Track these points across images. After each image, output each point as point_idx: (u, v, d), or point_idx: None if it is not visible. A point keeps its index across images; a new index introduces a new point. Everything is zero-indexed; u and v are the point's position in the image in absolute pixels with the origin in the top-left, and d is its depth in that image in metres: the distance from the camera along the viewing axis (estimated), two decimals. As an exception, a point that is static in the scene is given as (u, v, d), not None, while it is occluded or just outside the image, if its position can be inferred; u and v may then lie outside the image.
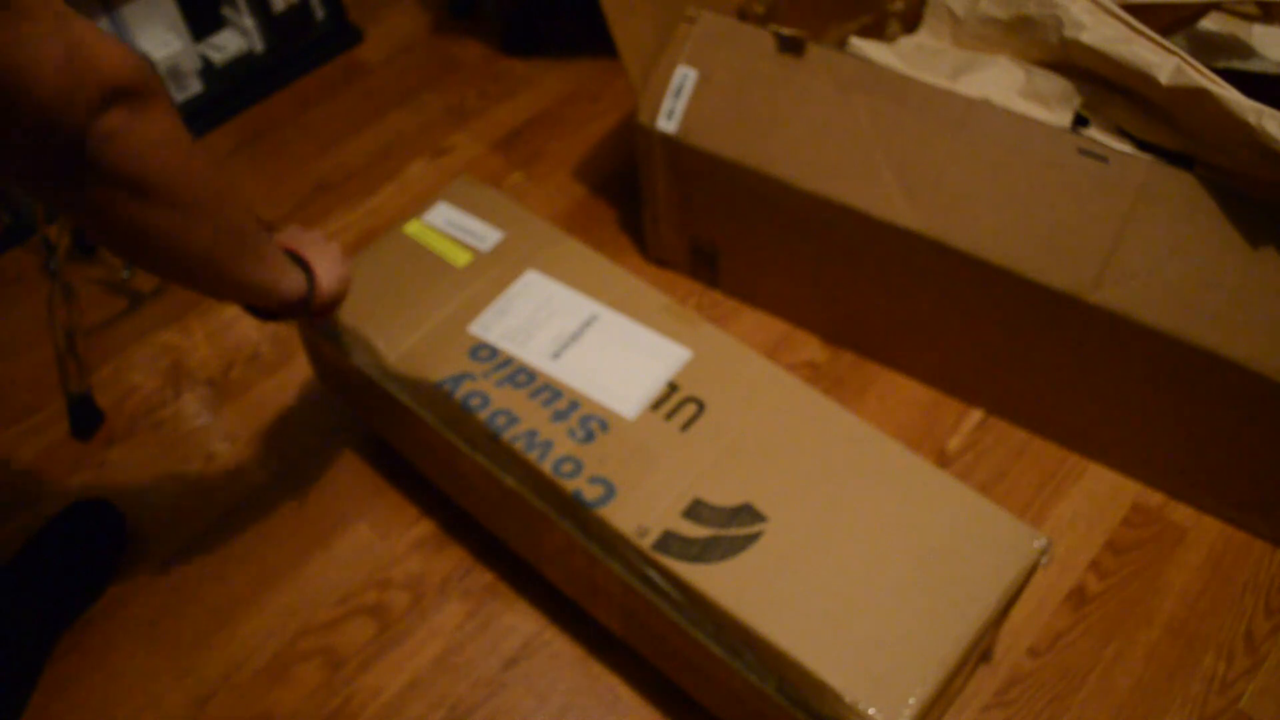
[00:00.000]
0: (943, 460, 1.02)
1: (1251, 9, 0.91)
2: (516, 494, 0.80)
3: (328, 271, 0.76)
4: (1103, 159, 0.85)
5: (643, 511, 0.75)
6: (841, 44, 0.99)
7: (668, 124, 1.02)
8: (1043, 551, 0.73)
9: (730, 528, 0.74)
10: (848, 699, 0.66)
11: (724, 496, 0.75)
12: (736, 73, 0.99)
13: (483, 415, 0.81)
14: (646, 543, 0.73)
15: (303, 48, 1.49)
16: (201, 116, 1.41)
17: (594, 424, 0.80)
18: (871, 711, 0.65)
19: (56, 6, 0.46)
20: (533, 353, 0.85)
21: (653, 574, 0.73)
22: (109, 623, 0.94)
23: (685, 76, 1.01)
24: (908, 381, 1.08)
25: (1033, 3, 0.90)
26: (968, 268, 0.90)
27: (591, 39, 1.48)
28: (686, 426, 0.80)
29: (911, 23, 1.02)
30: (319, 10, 1.49)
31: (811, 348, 1.11)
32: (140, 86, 0.50)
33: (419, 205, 1.01)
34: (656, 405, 0.81)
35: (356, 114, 1.43)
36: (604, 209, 1.28)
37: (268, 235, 0.68)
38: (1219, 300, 0.81)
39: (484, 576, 0.96)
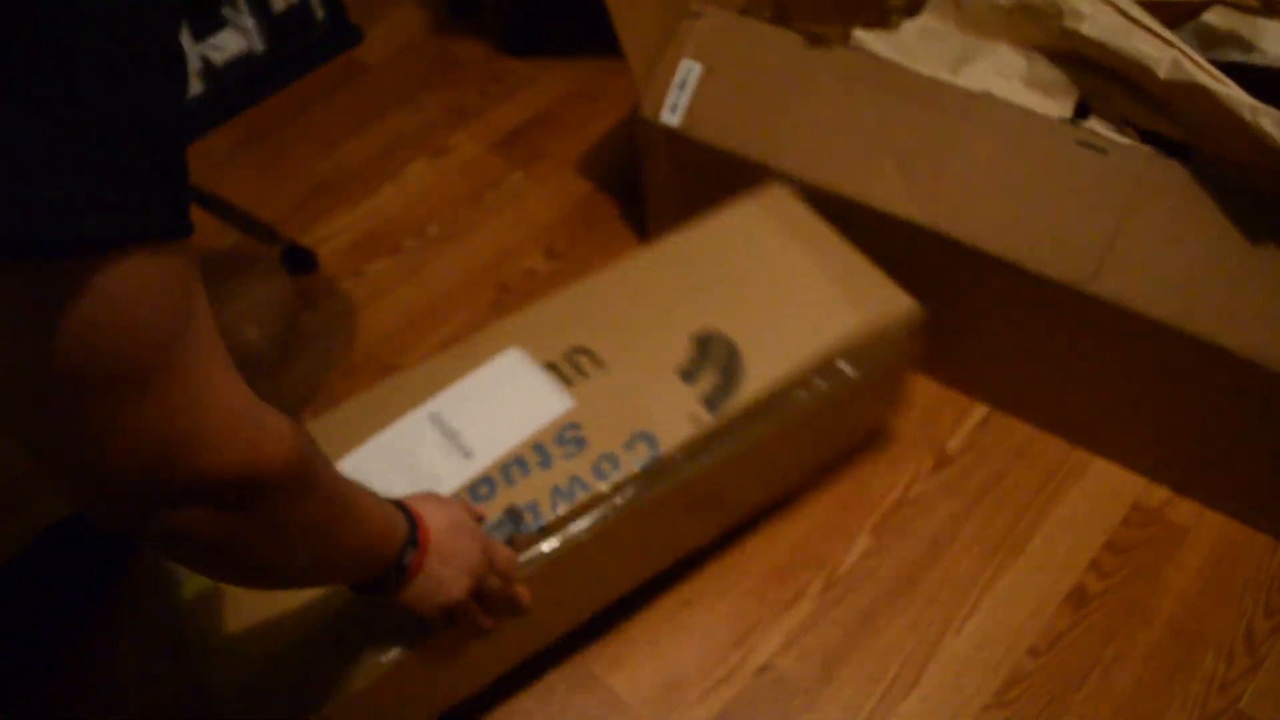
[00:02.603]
0: (943, 460, 1.01)
1: (1253, 2, 0.91)
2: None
3: (434, 569, 0.65)
4: (1102, 151, 0.85)
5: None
6: (845, 37, 0.99)
7: (671, 117, 1.02)
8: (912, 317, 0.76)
9: None
10: None
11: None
12: (740, 66, 0.99)
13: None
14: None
15: (303, 48, 1.49)
16: (201, 116, 1.41)
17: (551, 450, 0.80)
18: None
19: (191, 371, 0.42)
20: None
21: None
22: (107, 627, 0.94)
23: (689, 70, 1.01)
24: (907, 382, 1.08)
25: (1034, -7, 0.90)
26: (968, 259, 0.90)
27: (591, 39, 1.48)
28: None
29: (913, 13, 1.02)
30: (319, 10, 1.49)
31: (811, 347, 1.11)
32: (243, 486, 0.45)
33: (419, 205, 1.01)
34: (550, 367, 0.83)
35: (356, 114, 1.43)
36: (605, 208, 1.28)
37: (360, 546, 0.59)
38: (1218, 291, 0.81)
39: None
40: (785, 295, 0.88)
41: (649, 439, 0.79)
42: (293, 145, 1.39)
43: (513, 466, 0.78)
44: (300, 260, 1.23)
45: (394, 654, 0.72)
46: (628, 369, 0.83)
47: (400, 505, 0.63)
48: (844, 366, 0.85)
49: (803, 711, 0.87)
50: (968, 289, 0.94)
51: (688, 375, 0.83)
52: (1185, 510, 0.97)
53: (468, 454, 0.79)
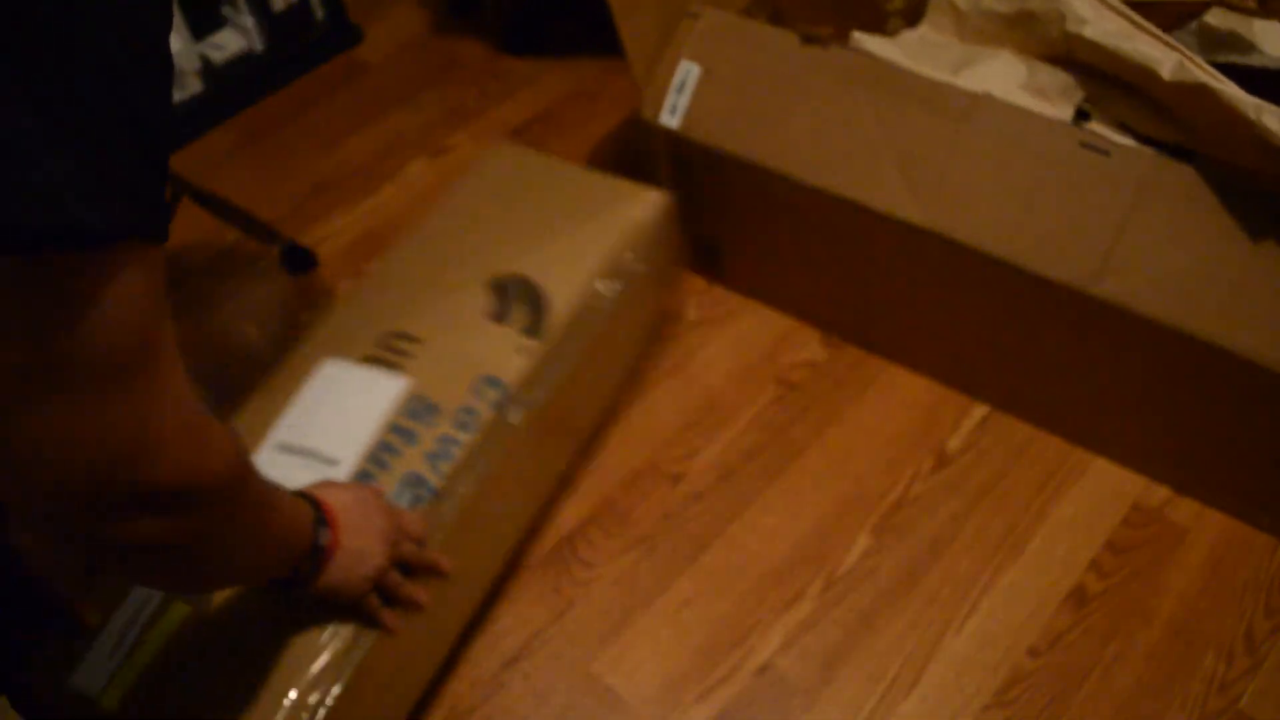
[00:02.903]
0: (943, 460, 1.01)
1: (1251, 3, 0.91)
2: None
3: (347, 554, 0.66)
4: (1104, 152, 0.85)
5: None
6: (844, 39, 0.99)
7: (671, 119, 1.02)
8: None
9: None
10: None
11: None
12: (739, 68, 0.99)
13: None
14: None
15: (303, 47, 1.49)
16: (201, 116, 1.41)
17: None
18: None
19: (145, 383, 0.42)
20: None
21: None
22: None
23: (688, 72, 1.01)
24: (908, 382, 1.08)
25: (1035, -2, 0.90)
26: (970, 261, 0.90)
27: (591, 39, 1.48)
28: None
29: (912, 19, 1.02)
30: (319, 10, 1.49)
31: (812, 347, 1.11)
32: (190, 494, 0.46)
33: (419, 205, 1.01)
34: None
35: (356, 114, 1.43)
36: (604, 208, 1.28)
37: (282, 542, 0.61)
38: (1220, 292, 0.81)
39: (483, 575, 0.96)
40: (552, 223, 0.95)
41: (491, 380, 0.84)
42: (293, 145, 1.39)
43: (381, 453, 0.80)
44: (300, 260, 1.23)
45: (351, 655, 0.72)
46: (443, 333, 0.87)
47: (302, 493, 0.65)
48: (630, 260, 0.93)
49: (803, 711, 0.87)
50: (969, 290, 0.94)
51: (500, 317, 0.88)
52: (1185, 510, 0.97)
53: (332, 462, 0.80)
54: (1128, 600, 0.92)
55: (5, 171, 0.34)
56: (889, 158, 0.93)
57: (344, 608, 0.71)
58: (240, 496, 0.51)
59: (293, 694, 0.70)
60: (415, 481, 0.79)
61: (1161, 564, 0.94)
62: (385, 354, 0.86)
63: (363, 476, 0.79)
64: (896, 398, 1.07)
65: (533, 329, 0.87)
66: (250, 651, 0.71)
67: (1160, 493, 0.98)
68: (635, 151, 1.10)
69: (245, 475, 0.51)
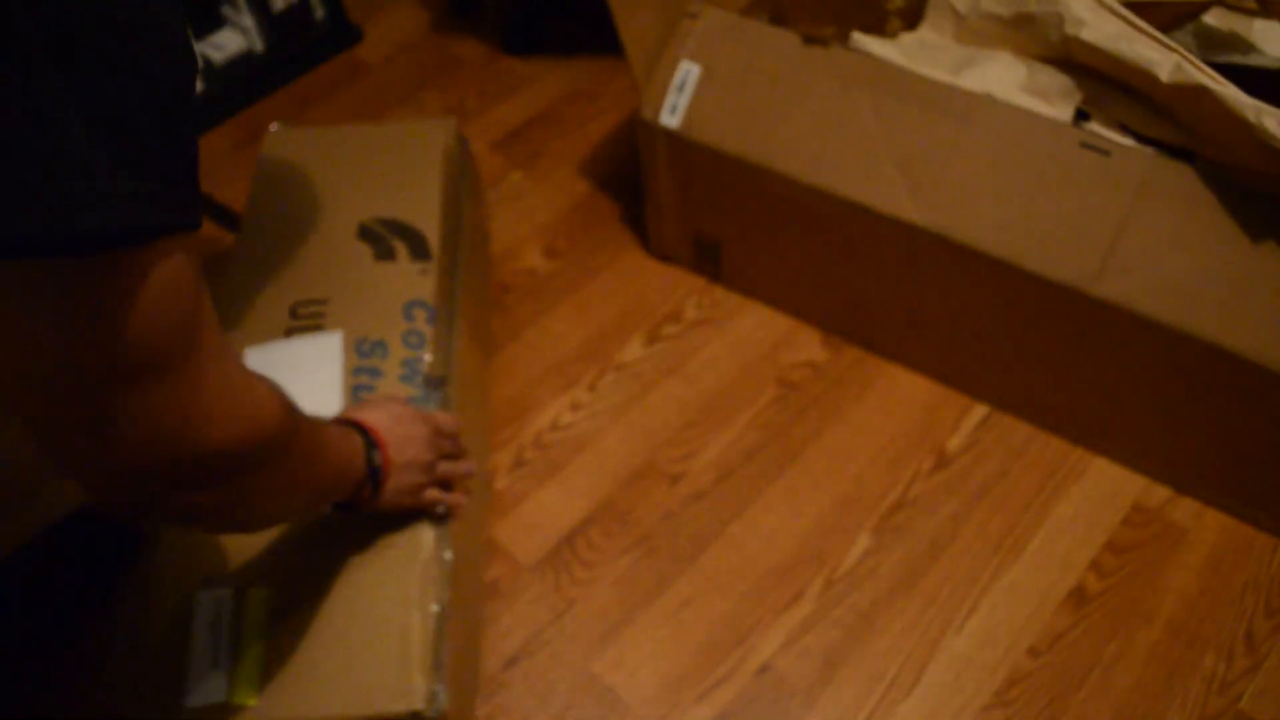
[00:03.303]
0: (943, 460, 1.01)
1: (1251, 4, 0.91)
2: None
3: (398, 471, 0.71)
4: (1104, 152, 0.85)
5: None
6: (844, 40, 0.99)
7: (671, 119, 1.02)
8: None
9: None
10: None
11: None
12: (739, 68, 0.99)
13: None
14: None
15: (302, 47, 1.49)
16: (201, 116, 1.41)
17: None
18: None
19: (196, 364, 0.44)
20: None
21: None
22: (108, 626, 0.94)
23: (688, 72, 1.01)
24: (908, 382, 1.08)
25: (1034, 0, 0.90)
26: (971, 261, 0.90)
27: (591, 38, 1.48)
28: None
29: (912, 21, 1.02)
30: (319, 9, 1.49)
31: (812, 347, 1.11)
32: (246, 457, 0.48)
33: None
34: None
35: (356, 113, 1.43)
36: (605, 207, 1.28)
37: (336, 475, 0.64)
38: (1220, 292, 0.81)
39: (486, 573, 0.96)
40: (374, 170, 0.99)
41: (415, 303, 0.89)
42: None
43: (360, 395, 0.83)
44: None
45: (442, 558, 0.76)
46: (345, 286, 0.90)
47: (346, 421, 0.68)
48: (458, 175, 1.03)
49: (803, 711, 0.87)
50: (968, 290, 0.94)
51: (386, 255, 0.92)
52: (1185, 510, 0.97)
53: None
54: (1128, 600, 0.92)
55: (55, 177, 0.35)
56: (889, 158, 0.93)
57: (408, 517, 0.75)
58: (294, 444, 0.53)
59: (409, 619, 0.72)
60: (409, 400, 0.82)
61: (1161, 564, 0.94)
62: (304, 322, 0.88)
63: None
64: (896, 398, 1.07)
65: (419, 253, 0.92)
66: (348, 604, 0.73)
67: (1160, 493, 0.98)
68: (635, 151, 1.10)
69: (295, 424, 0.53)
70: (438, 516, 0.77)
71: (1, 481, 0.87)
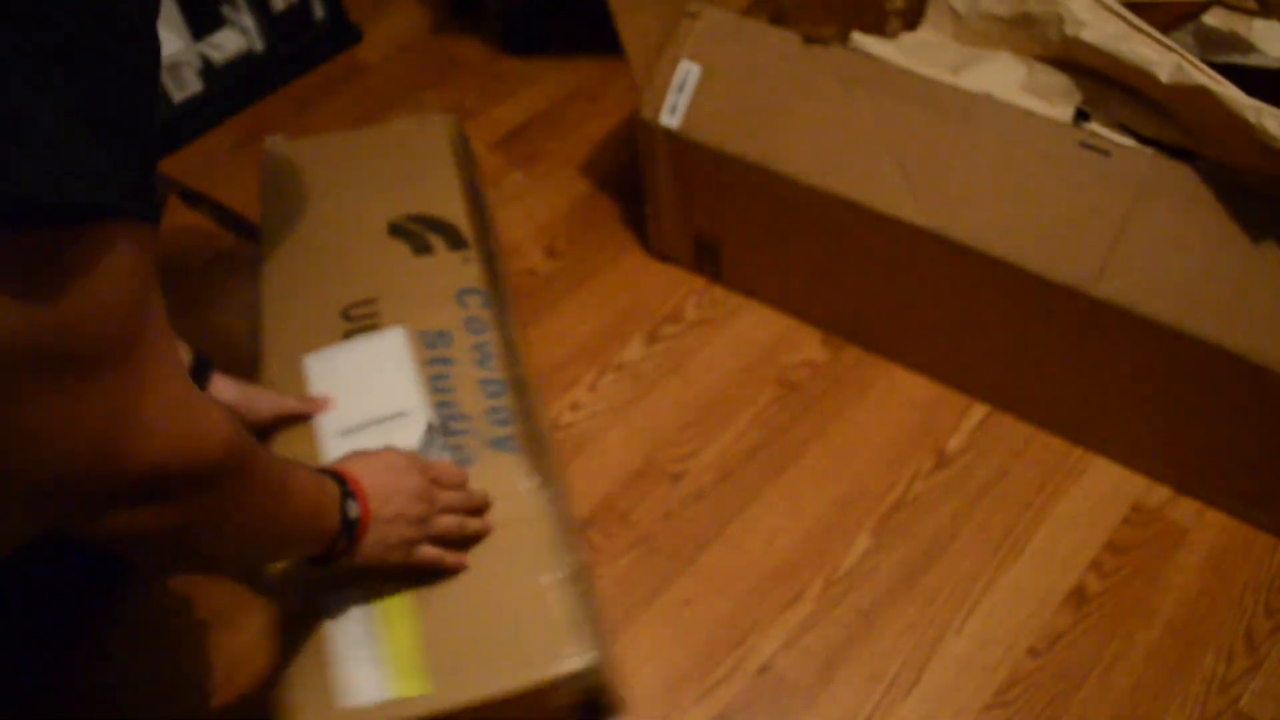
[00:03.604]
0: (943, 460, 1.01)
1: (1251, 4, 0.91)
2: None
3: (379, 530, 0.67)
4: (1105, 152, 0.85)
5: None
6: (844, 40, 0.99)
7: (671, 119, 1.02)
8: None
9: None
10: None
11: None
12: (739, 68, 0.99)
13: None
14: None
15: (302, 47, 1.49)
16: (201, 116, 1.41)
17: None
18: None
19: (135, 366, 0.42)
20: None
21: None
22: (109, 622, 0.94)
23: (688, 72, 1.01)
24: (907, 382, 1.08)
25: (1034, 0, 0.90)
26: (971, 261, 0.90)
27: (591, 38, 1.48)
28: None
29: (912, 21, 1.02)
30: (319, 9, 1.49)
31: (811, 347, 1.11)
32: (187, 478, 0.46)
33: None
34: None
35: (356, 113, 1.43)
36: (606, 207, 1.28)
37: (304, 521, 0.61)
38: (1221, 292, 0.81)
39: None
40: (388, 169, 1.00)
41: (467, 290, 0.90)
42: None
43: (438, 383, 0.83)
44: None
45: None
46: (392, 284, 0.90)
47: (325, 470, 0.65)
48: (468, 164, 1.04)
49: (803, 711, 0.87)
50: (968, 290, 0.94)
51: (424, 249, 0.93)
52: (1185, 510, 0.97)
53: (402, 414, 0.82)
54: (1128, 600, 0.92)
55: (3, 139, 0.34)
56: (889, 158, 0.93)
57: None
58: (244, 476, 0.50)
59: (543, 582, 0.72)
60: (489, 382, 0.83)
61: (1161, 564, 0.94)
62: (359, 324, 0.88)
63: (441, 408, 0.82)
64: (896, 398, 1.07)
65: (455, 244, 0.94)
66: (478, 583, 0.73)
67: (1160, 493, 0.98)
68: (635, 151, 1.10)
69: (245, 455, 0.50)
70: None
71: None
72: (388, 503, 0.66)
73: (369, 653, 0.69)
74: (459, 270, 0.92)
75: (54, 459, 0.40)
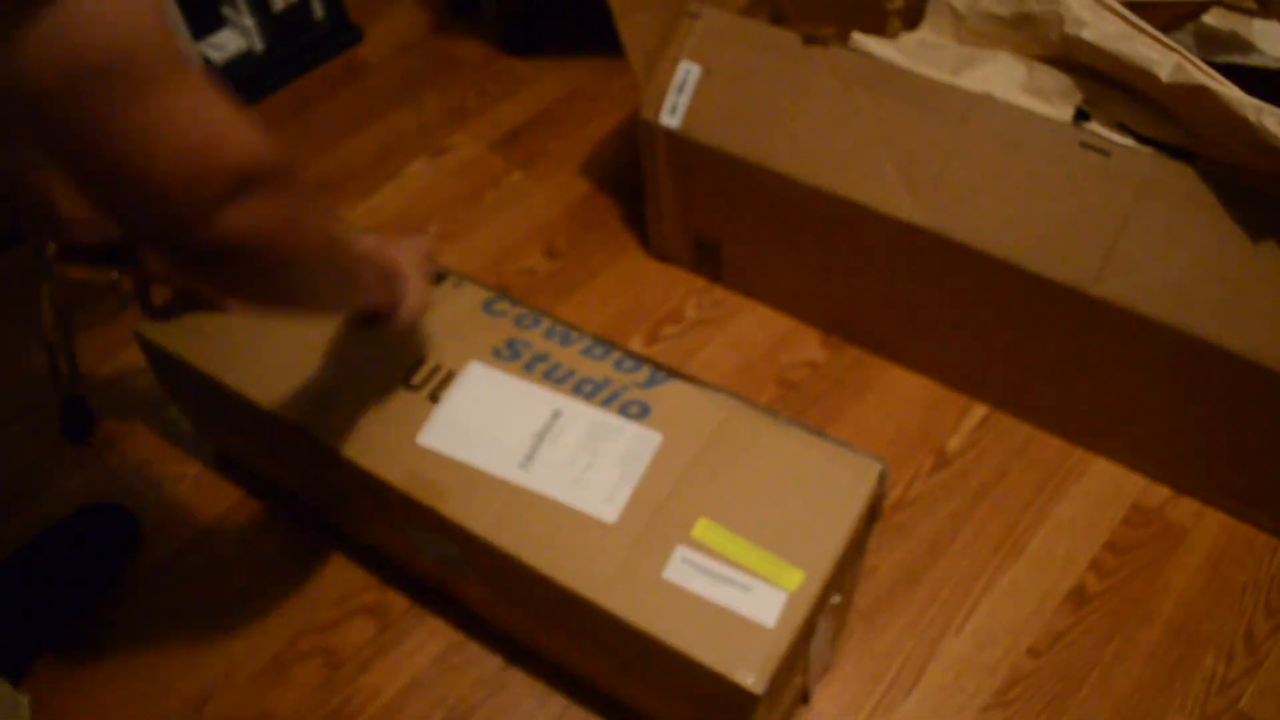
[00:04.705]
0: (942, 460, 1.01)
1: (1251, 4, 0.91)
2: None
3: (416, 287, 0.73)
4: (1104, 152, 0.85)
5: None
6: (844, 40, 0.99)
7: (671, 119, 1.02)
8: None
9: None
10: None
11: None
12: (739, 68, 0.99)
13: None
14: None
15: (302, 47, 1.49)
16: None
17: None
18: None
19: (194, 79, 0.45)
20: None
21: None
22: (108, 621, 0.94)
23: (688, 72, 1.01)
24: (907, 382, 1.08)
25: (1034, 0, 0.90)
26: (970, 261, 0.90)
27: (591, 39, 1.48)
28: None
29: (912, 21, 1.02)
30: (318, 9, 1.49)
31: (811, 347, 1.11)
32: (270, 174, 0.48)
33: (419, 204, 1.01)
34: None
35: (356, 113, 1.43)
36: (606, 207, 1.28)
37: (367, 261, 0.66)
38: (1221, 292, 0.81)
39: (483, 575, 0.96)
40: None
41: (491, 302, 0.85)
42: (293, 145, 1.39)
43: (568, 385, 0.80)
44: (78, 421, 1.12)
45: None
46: (434, 334, 0.84)
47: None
48: None
49: (803, 711, 0.87)
50: (968, 290, 0.94)
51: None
52: (1185, 510, 0.97)
53: (558, 414, 0.78)
54: (1128, 600, 0.92)
55: None
56: (889, 158, 0.93)
57: None
58: (306, 192, 0.53)
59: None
60: (587, 349, 0.82)
61: (1161, 564, 0.94)
62: (431, 384, 0.82)
63: (577, 390, 0.79)
64: (896, 398, 1.07)
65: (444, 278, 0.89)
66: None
67: (1160, 493, 0.98)
68: (635, 151, 1.10)
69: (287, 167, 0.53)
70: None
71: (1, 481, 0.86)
72: (419, 274, 0.74)
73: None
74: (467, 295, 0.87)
75: (169, 155, 0.44)
